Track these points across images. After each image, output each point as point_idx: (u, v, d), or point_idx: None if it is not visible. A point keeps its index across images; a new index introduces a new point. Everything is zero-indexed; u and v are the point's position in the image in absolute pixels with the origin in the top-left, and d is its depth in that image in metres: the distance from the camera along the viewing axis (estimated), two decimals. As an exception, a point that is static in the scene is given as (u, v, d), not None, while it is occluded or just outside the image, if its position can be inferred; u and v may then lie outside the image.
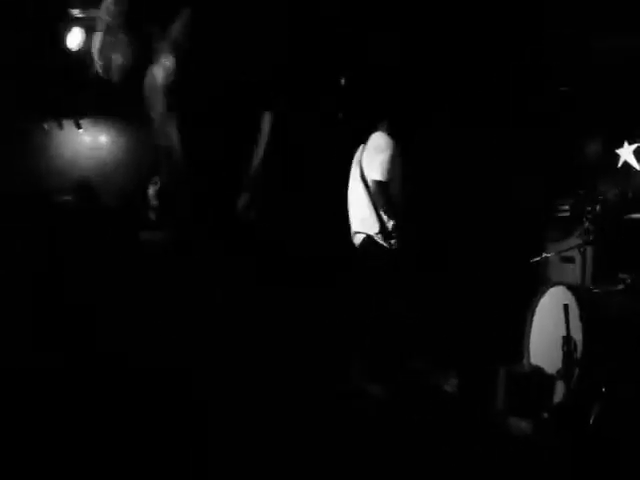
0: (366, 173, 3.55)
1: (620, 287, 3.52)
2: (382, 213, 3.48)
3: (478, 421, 3.30)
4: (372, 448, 2.91)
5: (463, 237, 4.48)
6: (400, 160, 3.53)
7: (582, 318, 3.23)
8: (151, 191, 4.19)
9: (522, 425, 3.18)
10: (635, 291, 3.43)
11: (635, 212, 3.87)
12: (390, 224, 3.49)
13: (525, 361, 3.57)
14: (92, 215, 4.19)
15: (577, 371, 3.19)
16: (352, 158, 3.79)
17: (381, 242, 3.51)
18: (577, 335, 3.25)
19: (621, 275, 3.54)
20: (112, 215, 4.18)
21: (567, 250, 4.00)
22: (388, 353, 3.58)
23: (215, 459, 2.72)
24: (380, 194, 3.47)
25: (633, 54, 4.57)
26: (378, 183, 3.49)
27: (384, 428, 3.12)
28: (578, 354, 3.23)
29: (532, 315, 3.62)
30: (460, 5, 4.41)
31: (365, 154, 3.60)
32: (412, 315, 3.71)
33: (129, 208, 4.23)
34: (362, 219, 3.59)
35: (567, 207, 4.42)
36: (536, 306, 3.61)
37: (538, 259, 4.05)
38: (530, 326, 3.63)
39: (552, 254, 4.05)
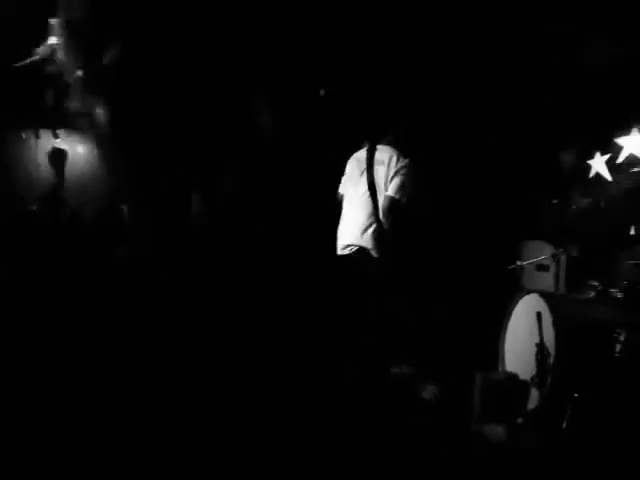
0: (378, 186, 3.50)
1: (592, 294, 3.61)
2: (382, 226, 3.44)
3: (455, 428, 3.34)
4: (351, 456, 2.93)
5: (443, 244, 4.54)
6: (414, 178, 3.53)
7: (554, 325, 3.29)
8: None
9: (498, 430, 3.23)
10: (605, 298, 3.52)
11: (608, 221, 3.97)
12: (385, 235, 3.46)
13: (500, 368, 3.63)
14: (59, 225, 4.15)
15: (550, 377, 3.25)
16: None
17: (374, 254, 3.47)
18: (550, 342, 3.31)
19: (592, 283, 3.62)
20: (82, 226, 4.14)
21: (541, 259, 4.08)
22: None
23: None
24: (391, 209, 3.45)
25: (598, 68, 4.70)
26: (392, 199, 3.46)
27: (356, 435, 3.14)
28: (551, 360, 3.29)
29: (507, 322, 3.69)
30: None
31: (378, 168, 3.52)
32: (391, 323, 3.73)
33: (101, 220, 4.19)
34: (358, 229, 3.50)
35: (542, 216, 4.51)
36: (511, 314, 3.68)
37: (513, 267, 4.12)
38: (505, 333, 3.70)
39: (526, 263, 4.13)
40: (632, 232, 3.54)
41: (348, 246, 3.53)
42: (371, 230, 3.46)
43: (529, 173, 4.65)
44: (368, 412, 3.36)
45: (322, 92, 4.37)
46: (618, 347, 3.17)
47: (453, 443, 3.15)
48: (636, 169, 4.23)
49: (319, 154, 4.45)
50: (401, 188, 3.45)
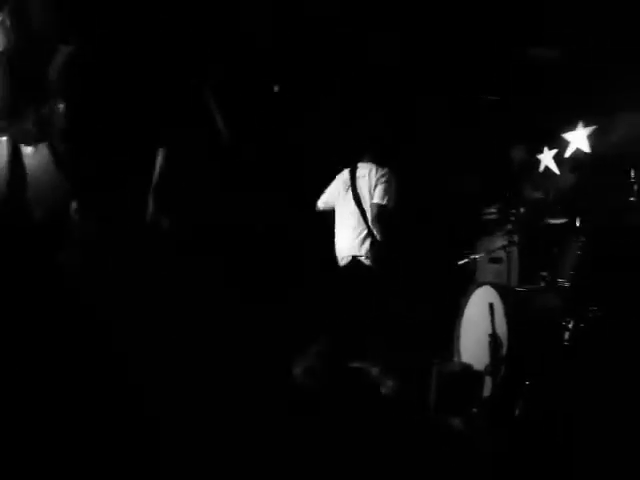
0: (363, 198, 3.87)
1: (542, 285, 3.72)
2: (374, 234, 3.80)
3: (413, 420, 3.39)
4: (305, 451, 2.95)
5: (404, 239, 4.63)
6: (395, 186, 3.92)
7: (506, 315, 3.38)
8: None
9: (454, 422, 3.30)
10: (554, 288, 3.63)
11: (557, 213, 4.09)
12: (376, 245, 3.81)
13: (455, 359, 3.71)
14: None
15: (503, 367, 3.34)
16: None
17: (367, 263, 3.81)
18: (502, 332, 3.40)
19: (542, 273, 3.73)
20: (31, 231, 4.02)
21: (494, 251, 4.18)
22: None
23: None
24: (379, 215, 3.82)
25: (553, 63, 4.83)
26: (379, 206, 3.83)
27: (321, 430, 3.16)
28: (504, 350, 3.38)
29: (461, 314, 3.77)
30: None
31: (360, 182, 3.91)
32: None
33: (53, 224, 4.07)
34: (352, 240, 3.85)
35: (494, 210, 4.62)
36: (465, 305, 3.76)
37: (466, 261, 4.21)
38: (459, 325, 3.78)
39: (479, 255, 4.22)
40: (578, 224, 3.66)
41: (344, 258, 3.88)
42: (362, 238, 3.82)
43: (483, 169, 4.76)
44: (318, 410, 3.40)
45: (276, 88, 4.40)
46: (567, 335, 3.27)
47: (410, 435, 3.20)
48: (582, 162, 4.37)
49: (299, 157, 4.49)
50: (385, 194, 3.84)
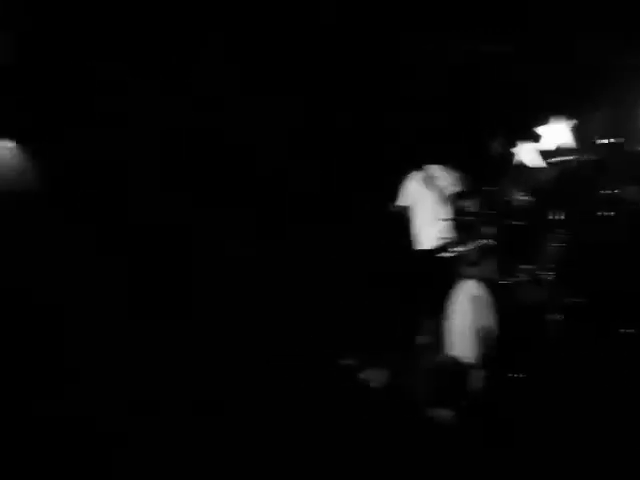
0: (445, 190, 4.58)
1: (522, 278, 3.82)
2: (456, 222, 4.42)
3: (402, 414, 3.45)
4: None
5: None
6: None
7: (492, 309, 3.47)
8: None
9: (444, 414, 3.37)
10: (536, 281, 3.73)
11: (532, 210, 4.19)
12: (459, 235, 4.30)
13: (444, 352, 3.78)
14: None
15: (490, 359, 3.43)
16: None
17: (457, 247, 4.20)
18: (489, 325, 3.49)
19: (524, 267, 3.83)
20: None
21: (474, 247, 4.25)
22: None
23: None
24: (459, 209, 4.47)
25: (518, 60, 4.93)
26: (456, 197, 4.52)
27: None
28: (491, 343, 3.47)
29: (449, 308, 3.83)
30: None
31: (436, 181, 4.63)
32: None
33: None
34: (437, 230, 4.47)
35: (471, 205, 4.72)
36: (452, 300, 3.82)
37: (448, 255, 4.28)
38: (447, 319, 3.84)
39: (462, 249, 4.29)
40: (559, 217, 3.76)
41: (427, 245, 4.50)
42: (446, 229, 4.44)
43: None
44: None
45: None
46: (551, 327, 3.38)
47: (400, 428, 3.26)
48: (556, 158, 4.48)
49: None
50: (460, 189, 4.55)
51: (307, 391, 3.63)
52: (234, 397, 3.47)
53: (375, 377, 3.76)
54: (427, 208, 4.65)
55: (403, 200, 4.77)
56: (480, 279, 3.72)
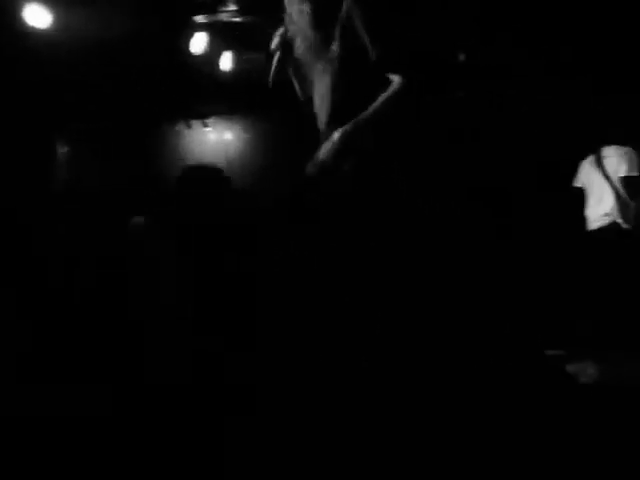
0: (614, 172, 4.51)
1: None
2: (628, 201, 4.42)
3: (624, 417, 2.95)
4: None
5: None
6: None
7: None
8: None
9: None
10: None
11: None
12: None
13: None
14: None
15: None
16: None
17: (625, 226, 4.39)
18: None
19: None
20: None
21: None
22: None
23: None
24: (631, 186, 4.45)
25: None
26: (627, 177, 4.46)
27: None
28: None
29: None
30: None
31: (607, 161, 4.56)
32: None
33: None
34: (608, 208, 4.47)
35: None
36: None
37: None
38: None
39: None
40: None
41: (599, 222, 4.49)
42: (615, 205, 4.44)
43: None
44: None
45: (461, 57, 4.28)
46: None
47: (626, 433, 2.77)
48: None
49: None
50: (632, 167, 4.43)
51: (505, 383, 3.33)
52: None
53: (586, 371, 3.30)
54: (596, 190, 4.60)
55: (577, 181, 4.79)
56: None
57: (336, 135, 2.49)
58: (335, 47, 2.51)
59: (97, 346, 2.79)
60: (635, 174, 4.47)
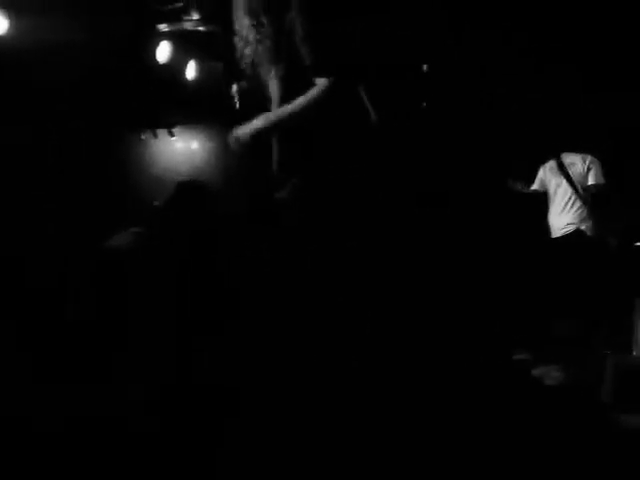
0: (576, 180, 4.53)
1: None
2: (589, 208, 4.44)
3: (582, 416, 3.05)
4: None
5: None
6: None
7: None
8: None
9: (632, 420, 2.92)
10: None
11: None
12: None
13: (635, 352, 3.30)
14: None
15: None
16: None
17: (589, 234, 4.42)
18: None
19: None
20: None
21: None
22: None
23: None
24: (598, 193, 4.49)
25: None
26: (597, 185, 4.50)
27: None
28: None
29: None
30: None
31: (572, 168, 4.57)
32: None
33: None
34: (571, 215, 4.47)
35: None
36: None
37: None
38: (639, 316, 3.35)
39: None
40: None
41: (564, 229, 4.48)
42: (581, 213, 4.45)
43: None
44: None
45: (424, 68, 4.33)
46: None
47: (578, 432, 2.87)
48: None
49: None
50: (599, 176, 4.48)
51: (476, 387, 3.39)
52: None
53: (551, 374, 3.40)
54: (559, 197, 4.60)
55: (536, 185, 4.80)
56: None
57: (235, 133, 2.51)
58: (281, 65, 2.57)
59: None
60: (602, 182, 4.46)
